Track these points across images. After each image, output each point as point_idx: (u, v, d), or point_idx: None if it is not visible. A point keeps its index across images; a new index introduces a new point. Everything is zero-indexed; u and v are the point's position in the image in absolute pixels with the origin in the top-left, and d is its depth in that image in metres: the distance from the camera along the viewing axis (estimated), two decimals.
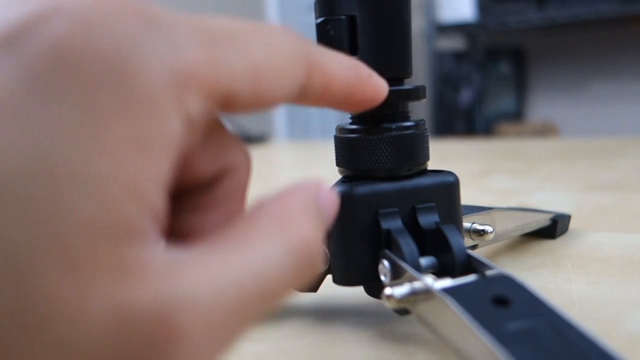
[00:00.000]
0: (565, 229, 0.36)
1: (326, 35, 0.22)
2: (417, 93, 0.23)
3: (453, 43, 2.38)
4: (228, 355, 0.23)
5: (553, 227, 0.35)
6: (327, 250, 0.24)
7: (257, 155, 0.99)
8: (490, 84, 2.30)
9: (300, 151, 1.05)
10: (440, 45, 2.35)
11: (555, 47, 2.31)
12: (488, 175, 0.62)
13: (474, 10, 2.15)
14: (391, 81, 0.23)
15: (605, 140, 0.84)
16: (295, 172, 0.79)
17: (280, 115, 2.37)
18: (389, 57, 0.22)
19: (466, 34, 2.25)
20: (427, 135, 0.24)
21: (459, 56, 2.28)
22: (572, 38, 2.27)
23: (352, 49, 0.22)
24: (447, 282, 0.19)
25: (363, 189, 0.23)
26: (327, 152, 1.00)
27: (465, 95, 2.24)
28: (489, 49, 2.32)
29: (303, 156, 0.97)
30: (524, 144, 0.89)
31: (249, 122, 1.92)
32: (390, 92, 0.23)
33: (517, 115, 2.39)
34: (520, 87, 2.40)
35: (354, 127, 0.24)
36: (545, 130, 2.16)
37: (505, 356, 0.15)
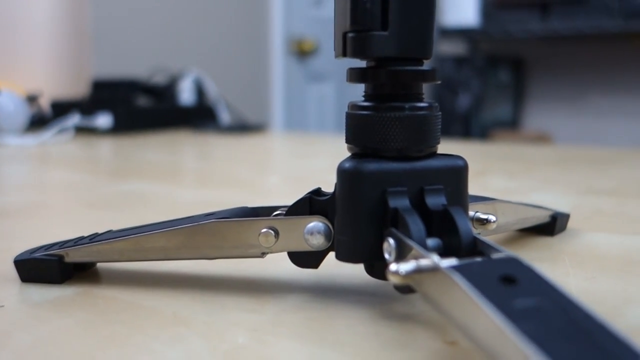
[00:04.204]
0: (563, 227, 0.36)
1: (362, 8, 0.22)
2: (432, 75, 0.23)
3: (454, 47, 2.39)
4: (225, 324, 0.23)
5: (552, 224, 0.35)
6: (331, 226, 0.24)
7: (255, 143, 0.99)
8: (488, 91, 2.31)
9: (296, 141, 1.05)
10: (441, 49, 2.36)
11: (556, 58, 2.33)
12: (485, 175, 0.62)
13: (478, 16, 2.16)
14: (410, 61, 0.23)
15: (602, 151, 0.85)
16: (291, 160, 0.79)
17: (277, 106, 2.37)
18: (415, 37, 0.22)
19: (468, 40, 2.25)
20: (439, 118, 0.24)
21: (459, 61, 2.28)
22: (573, 51, 2.28)
23: (383, 25, 0.22)
24: (453, 261, 0.19)
25: (372, 166, 0.23)
26: (322, 144, 1.00)
27: (463, 100, 2.24)
28: (490, 56, 2.33)
29: (298, 146, 0.97)
30: (521, 149, 0.90)
31: (247, 112, 1.91)
32: (406, 72, 0.23)
33: (513, 123, 2.40)
34: (518, 95, 2.41)
35: (366, 104, 0.24)
36: (540, 140, 2.17)
37: (512, 332, 0.15)
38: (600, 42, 2.20)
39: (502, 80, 2.35)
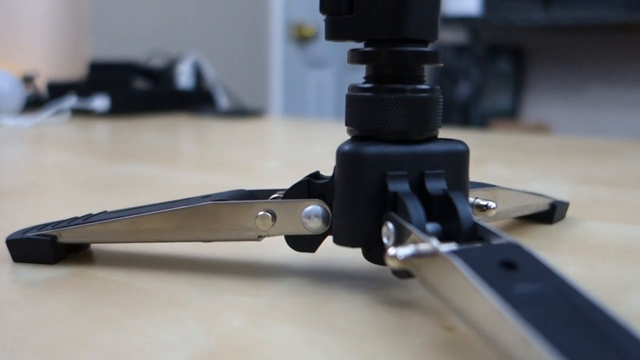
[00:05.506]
0: (562, 216, 0.36)
1: None
2: (434, 56, 0.23)
3: (455, 36, 2.37)
4: (220, 307, 0.23)
5: (551, 212, 0.35)
6: (329, 209, 0.24)
7: (253, 128, 0.98)
8: (488, 80, 2.30)
9: (294, 127, 1.04)
10: (442, 37, 2.34)
11: (557, 48, 2.31)
12: (485, 163, 0.62)
13: (479, 4, 2.14)
14: (409, 42, 0.22)
15: (601, 141, 0.84)
16: (289, 145, 0.78)
17: (276, 91, 2.35)
18: (385, 19, 0.22)
19: (469, 28, 2.24)
20: (441, 101, 0.24)
21: (459, 50, 2.27)
22: (574, 41, 2.27)
23: (349, 9, 0.22)
24: (453, 246, 0.19)
25: (372, 149, 0.22)
26: (321, 129, 0.99)
27: (463, 89, 2.23)
28: (491, 45, 2.31)
29: (297, 131, 0.96)
30: (520, 138, 0.89)
31: (246, 96, 1.90)
32: (407, 53, 0.22)
33: (512, 113, 2.40)
34: (518, 85, 2.40)
35: (367, 85, 0.23)
36: (539, 130, 2.17)
37: (512, 317, 0.15)
38: (602, 33, 2.19)
39: (502, 70, 2.34)
